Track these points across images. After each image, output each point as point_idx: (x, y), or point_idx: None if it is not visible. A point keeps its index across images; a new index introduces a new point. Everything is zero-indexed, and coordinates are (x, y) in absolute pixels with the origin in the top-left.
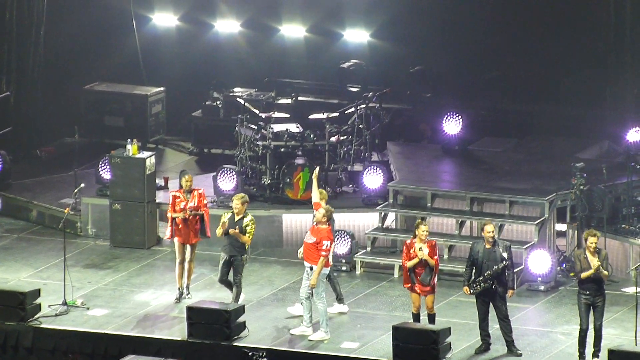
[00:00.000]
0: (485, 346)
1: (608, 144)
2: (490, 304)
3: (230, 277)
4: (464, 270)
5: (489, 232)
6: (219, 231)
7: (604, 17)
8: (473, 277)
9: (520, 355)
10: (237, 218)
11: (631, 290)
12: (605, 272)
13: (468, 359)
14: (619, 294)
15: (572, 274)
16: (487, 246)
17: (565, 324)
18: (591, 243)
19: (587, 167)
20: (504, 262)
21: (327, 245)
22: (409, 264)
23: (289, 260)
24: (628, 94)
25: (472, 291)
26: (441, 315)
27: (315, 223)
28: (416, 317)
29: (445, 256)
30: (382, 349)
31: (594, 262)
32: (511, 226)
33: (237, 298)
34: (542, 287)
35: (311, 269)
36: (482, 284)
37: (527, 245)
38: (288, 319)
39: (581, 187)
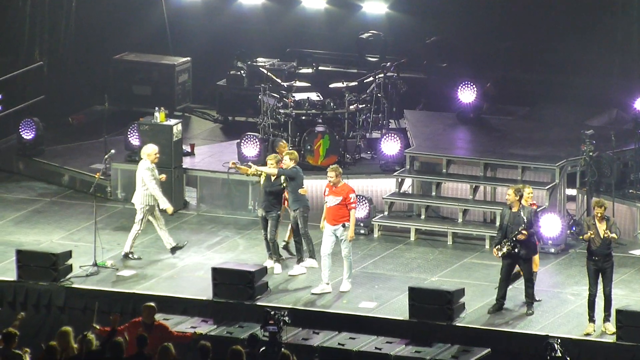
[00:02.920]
0: (498, 307)
1: (616, 112)
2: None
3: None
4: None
5: (508, 196)
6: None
7: None
8: (500, 240)
9: (532, 314)
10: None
11: (638, 252)
12: (614, 235)
13: (481, 318)
14: (626, 256)
15: (581, 237)
16: (514, 210)
17: (575, 285)
18: (597, 213)
19: (596, 134)
20: (522, 226)
21: (354, 197)
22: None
23: (309, 224)
24: (636, 63)
25: (499, 253)
26: (455, 277)
27: (332, 185)
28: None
29: (460, 220)
30: (399, 309)
31: (601, 229)
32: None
33: (276, 253)
34: (552, 250)
35: (343, 226)
36: (506, 247)
37: (539, 210)
38: (309, 280)
39: (590, 154)
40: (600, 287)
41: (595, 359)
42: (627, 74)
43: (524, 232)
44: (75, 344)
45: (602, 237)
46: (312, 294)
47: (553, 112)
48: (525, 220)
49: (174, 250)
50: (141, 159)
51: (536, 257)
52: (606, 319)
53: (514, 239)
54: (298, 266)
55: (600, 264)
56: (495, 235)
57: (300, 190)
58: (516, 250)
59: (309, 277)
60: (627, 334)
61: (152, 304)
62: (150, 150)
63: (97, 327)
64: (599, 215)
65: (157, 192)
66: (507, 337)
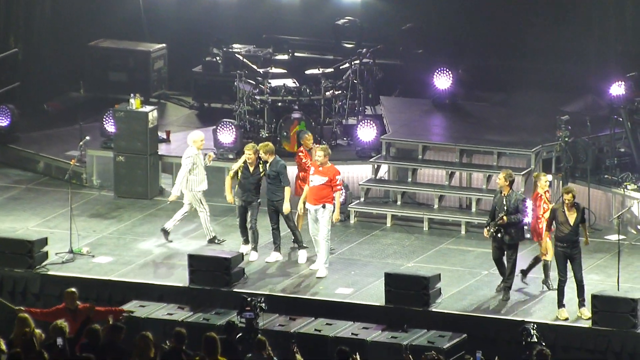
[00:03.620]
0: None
1: (592, 98)
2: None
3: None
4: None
5: (498, 180)
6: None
7: None
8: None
9: (508, 300)
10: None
11: (614, 237)
12: (586, 240)
13: (457, 304)
14: (602, 241)
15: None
16: (504, 194)
17: (551, 270)
18: (566, 200)
19: (572, 120)
20: (502, 214)
21: (340, 179)
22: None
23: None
24: (612, 49)
25: (487, 234)
26: (431, 263)
27: (318, 164)
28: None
29: (435, 206)
30: (375, 294)
31: (572, 217)
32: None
33: (255, 241)
34: (528, 235)
35: (324, 207)
36: (492, 229)
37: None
38: (286, 266)
39: (566, 139)
40: (570, 274)
41: (571, 344)
42: (603, 60)
43: (504, 217)
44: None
45: (571, 224)
46: (311, 269)
47: (529, 98)
48: (507, 207)
49: (164, 232)
50: (189, 145)
51: (548, 244)
52: (581, 304)
53: (498, 222)
54: (275, 253)
55: (569, 250)
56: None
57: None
58: (499, 235)
59: (285, 263)
60: (603, 319)
61: (73, 289)
62: (196, 137)
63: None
64: (568, 202)
65: (181, 178)
66: (483, 322)
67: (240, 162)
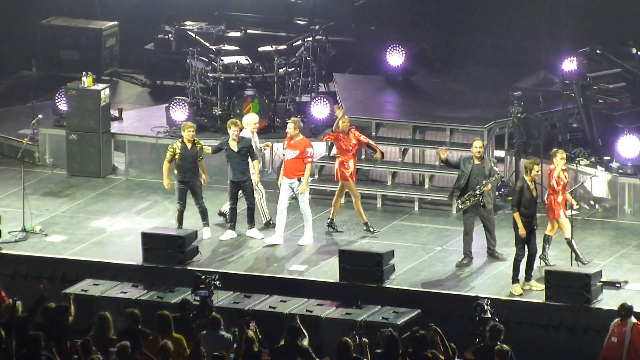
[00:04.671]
0: (468, 260)
1: (544, 74)
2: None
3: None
4: (453, 185)
5: (477, 148)
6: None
7: None
8: (460, 193)
9: (506, 260)
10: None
11: (567, 213)
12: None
13: (410, 280)
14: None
15: (510, 198)
16: (476, 162)
17: (504, 246)
18: (537, 172)
19: (524, 96)
20: (495, 175)
21: (311, 152)
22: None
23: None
24: (564, 25)
25: (461, 206)
26: (385, 239)
27: (289, 138)
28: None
29: (389, 183)
30: (329, 272)
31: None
32: (452, 153)
33: (205, 218)
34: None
35: (299, 180)
36: (472, 199)
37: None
38: (240, 243)
39: (518, 115)
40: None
41: (525, 319)
42: (555, 36)
43: (489, 184)
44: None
45: (536, 199)
46: (265, 245)
47: (481, 74)
48: (497, 170)
49: (221, 214)
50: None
51: (563, 221)
52: (529, 277)
53: (482, 190)
54: (230, 231)
55: (531, 225)
56: (450, 190)
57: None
58: (482, 203)
59: (240, 241)
60: (556, 294)
61: None
62: (249, 120)
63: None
64: (536, 177)
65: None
66: (437, 298)
67: (175, 145)
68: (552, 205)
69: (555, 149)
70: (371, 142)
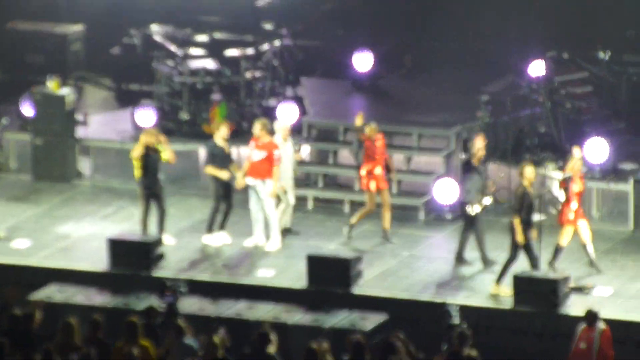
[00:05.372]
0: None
1: (512, 77)
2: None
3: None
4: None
5: (481, 151)
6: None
7: None
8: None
9: (472, 264)
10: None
11: (535, 218)
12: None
13: (378, 285)
14: None
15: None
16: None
17: (472, 251)
18: (531, 173)
19: (492, 100)
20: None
21: (278, 154)
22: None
23: (205, 193)
24: (533, 28)
25: (479, 210)
26: (353, 244)
27: (257, 139)
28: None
29: (357, 188)
30: (297, 277)
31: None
32: (419, 158)
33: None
34: (449, 217)
35: (263, 182)
36: (490, 201)
37: (435, 176)
38: (207, 249)
39: (486, 120)
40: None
41: (493, 325)
42: (523, 39)
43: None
44: None
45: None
46: (244, 246)
47: (449, 78)
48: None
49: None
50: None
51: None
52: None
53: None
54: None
55: (530, 233)
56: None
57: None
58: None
59: (207, 247)
60: (524, 300)
61: None
62: (280, 126)
63: None
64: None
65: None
66: (405, 304)
67: (139, 150)
68: (565, 213)
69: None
70: (389, 161)
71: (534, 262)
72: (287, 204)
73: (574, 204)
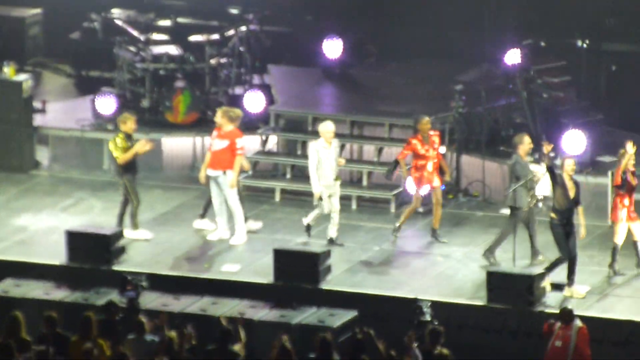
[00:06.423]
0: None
1: (487, 67)
2: None
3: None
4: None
5: (529, 143)
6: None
7: None
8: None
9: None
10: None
11: (509, 211)
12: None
13: (348, 281)
14: (497, 215)
15: (450, 196)
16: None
17: (445, 246)
18: (569, 169)
19: (466, 90)
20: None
21: (240, 144)
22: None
23: (169, 185)
24: (508, 17)
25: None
26: (322, 238)
27: (219, 127)
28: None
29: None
30: (264, 271)
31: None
32: (391, 149)
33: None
34: (421, 210)
35: (224, 173)
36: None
37: (407, 168)
38: (168, 243)
39: (460, 110)
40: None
41: (466, 322)
42: (500, 28)
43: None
44: None
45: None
46: (209, 239)
47: (423, 68)
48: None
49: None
50: None
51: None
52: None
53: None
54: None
55: (569, 227)
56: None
57: None
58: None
59: (171, 241)
60: (498, 297)
61: None
62: (322, 128)
63: None
64: (572, 171)
65: (313, 173)
66: (375, 300)
67: (130, 156)
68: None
69: (623, 150)
70: (443, 162)
71: (571, 262)
72: (322, 211)
73: (627, 201)
